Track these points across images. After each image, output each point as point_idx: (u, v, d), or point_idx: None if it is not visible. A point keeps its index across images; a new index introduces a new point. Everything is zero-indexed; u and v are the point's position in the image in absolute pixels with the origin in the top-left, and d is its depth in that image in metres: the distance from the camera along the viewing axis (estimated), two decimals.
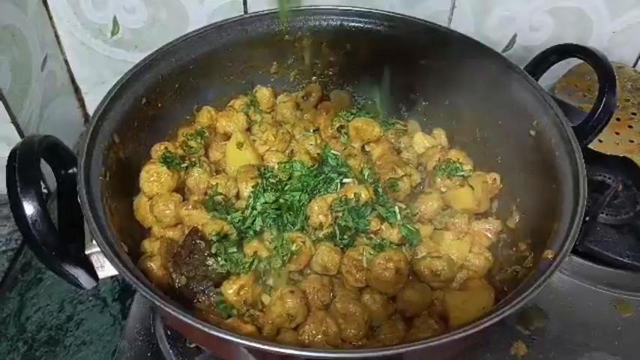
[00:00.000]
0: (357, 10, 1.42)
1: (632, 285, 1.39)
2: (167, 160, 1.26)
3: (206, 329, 0.81)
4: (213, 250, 1.11)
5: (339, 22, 1.43)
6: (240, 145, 1.32)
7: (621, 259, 1.42)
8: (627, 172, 1.53)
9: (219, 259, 1.11)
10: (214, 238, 1.12)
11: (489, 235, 1.25)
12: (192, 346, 1.22)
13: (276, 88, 1.52)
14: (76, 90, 1.92)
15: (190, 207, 1.19)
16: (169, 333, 1.25)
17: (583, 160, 1.10)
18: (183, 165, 1.30)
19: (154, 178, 1.23)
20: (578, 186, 1.07)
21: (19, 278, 1.53)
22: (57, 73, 1.80)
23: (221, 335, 0.81)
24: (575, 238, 0.99)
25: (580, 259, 1.41)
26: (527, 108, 1.24)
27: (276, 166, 1.30)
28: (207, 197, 1.25)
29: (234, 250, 1.13)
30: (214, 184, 1.25)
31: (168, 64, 1.31)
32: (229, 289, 1.07)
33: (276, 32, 1.42)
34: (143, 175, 1.24)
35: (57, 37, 1.78)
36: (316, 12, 1.43)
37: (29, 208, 0.94)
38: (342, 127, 1.42)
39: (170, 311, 0.85)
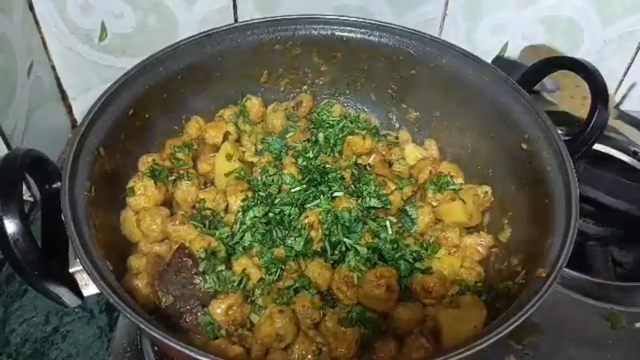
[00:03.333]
0: (347, 20, 1.40)
1: (622, 299, 1.39)
2: (154, 173, 1.24)
3: (192, 354, 0.80)
4: (201, 268, 1.09)
5: (329, 32, 1.41)
6: (229, 157, 1.30)
7: (608, 272, 1.43)
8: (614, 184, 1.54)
9: (207, 277, 1.09)
10: (202, 256, 1.10)
11: (481, 249, 1.24)
12: None
13: (267, 98, 1.50)
14: (64, 96, 1.89)
15: (178, 222, 1.17)
16: (156, 349, 1.23)
17: (575, 175, 1.09)
18: (170, 178, 1.28)
19: (140, 191, 1.21)
20: (570, 201, 1.06)
21: (3, 290, 1.50)
22: (44, 79, 1.78)
23: None
24: (569, 255, 0.98)
25: (572, 272, 1.40)
26: (519, 121, 1.23)
27: (264, 178, 1.28)
28: (196, 211, 1.23)
29: (222, 268, 1.11)
30: (202, 198, 1.23)
31: (155, 74, 1.28)
32: (217, 309, 1.05)
33: (267, 41, 1.40)
34: (129, 188, 1.21)
35: (44, 42, 1.75)
36: (307, 21, 1.40)
37: (10, 227, 0.91)
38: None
39: (155, 334, 0.83)
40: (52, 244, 1.05)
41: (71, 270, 0.99)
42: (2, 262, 1.56)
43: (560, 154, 1.13)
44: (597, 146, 1.58)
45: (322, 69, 1.49)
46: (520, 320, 0.90)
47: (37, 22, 1.70)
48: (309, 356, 1.01)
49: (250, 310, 1.09)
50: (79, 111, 1.94)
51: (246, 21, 1.40)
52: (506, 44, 1.80)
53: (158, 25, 1.71)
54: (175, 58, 1.31)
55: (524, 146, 1.22)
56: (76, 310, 1.46)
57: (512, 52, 1.81)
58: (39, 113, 1.74)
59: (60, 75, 1.84)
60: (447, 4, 1.70)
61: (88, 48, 1.77)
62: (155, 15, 1.69)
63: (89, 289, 1.02)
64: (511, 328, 0.89)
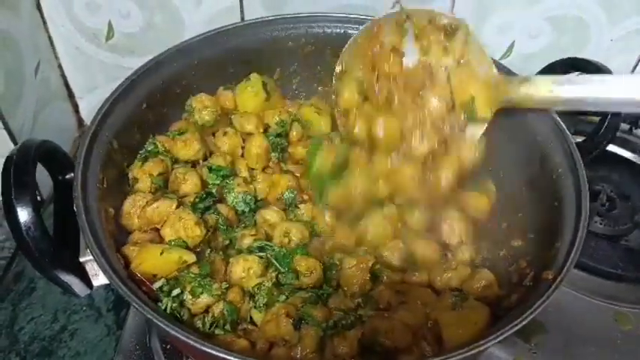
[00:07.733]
0: (360, 18, 1.40)
1: (631, 298, 1.39)
2: (150, 153, 1.24)
3: (198, 345, 0.80)
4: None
5: (342, 30, 1.40)
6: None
7: (615, 271, 1.42)
8: (624, 182, 1.54)
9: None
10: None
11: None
12: None
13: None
14: (70, 95, 1.90)
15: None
16: (165, 347, 1.23)
17: (586, 179, 1.08)
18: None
19: (140, 175, 1.20)
20: (580, 205, 1.05)
21: (11, 288, 1.50)
22: (51, 78, 1.78)
23: (213, 352, 0.80)
24: (576, 259, 0.98)
25: (580, 272, 1.41)
26: (530, 123, 1.21)
27: None
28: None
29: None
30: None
31: (169, 69, 1.29)
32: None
33: (280, 39, 1.40)
34: (133, 179, 1.20)
35: (51, 42, 1.75)
36: (319, 19, 1.41)
37: (23, 215, 0.92)
38: None
39: (160, 324, 0.83)
40: (64, 233, 1.05)
41: (82, 259, 1.00)
42: (10, 260, 1.57)
43: (571, 156, 1.12)
44: (610, 147, 1.58)
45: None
46: (524, 322, 0.90)
47: (44, 21, 1.70)
48: (314, 354, 1.00)
49: (251, 306, 1.08)
50: (86, 110, 1.94)
51: (259, 18, 1.40)
52: (513, 43, 1.80)
53: (165, 24, 1.71)
54: (189, 53, 1.32)
55: (535, 148, 1.20)
56: (84, 308, 1.46)
57: (519, 51, 1.81)
58: (46, 112, 1.74)
59: (67, 74, 1.85)
60: (453, 2, 1.69)
61: (94, 47, 1.78)
62: (162, 14, 1.69)
63: (99, 278, 1.02)
64: (515, 329, 0.89)
